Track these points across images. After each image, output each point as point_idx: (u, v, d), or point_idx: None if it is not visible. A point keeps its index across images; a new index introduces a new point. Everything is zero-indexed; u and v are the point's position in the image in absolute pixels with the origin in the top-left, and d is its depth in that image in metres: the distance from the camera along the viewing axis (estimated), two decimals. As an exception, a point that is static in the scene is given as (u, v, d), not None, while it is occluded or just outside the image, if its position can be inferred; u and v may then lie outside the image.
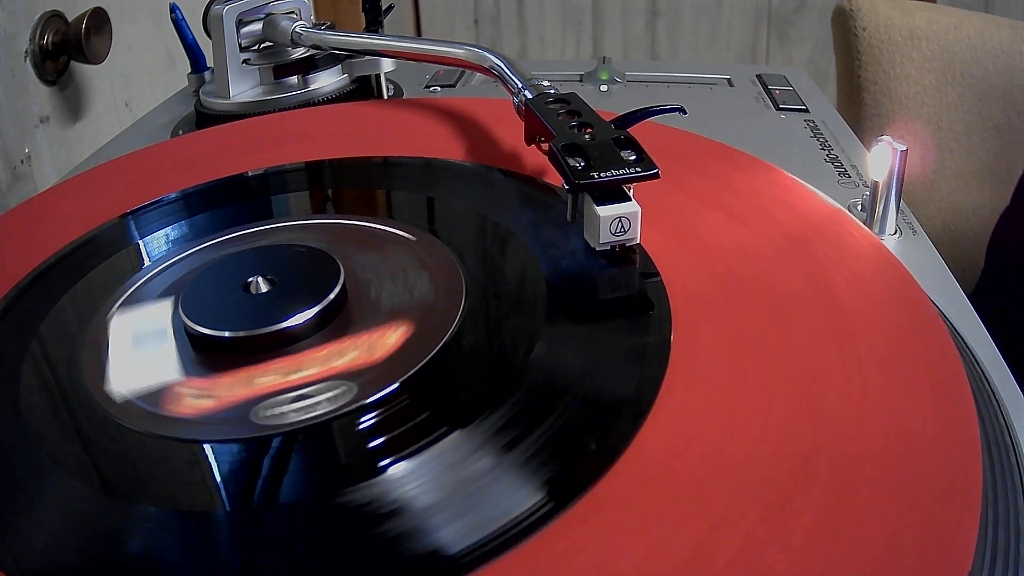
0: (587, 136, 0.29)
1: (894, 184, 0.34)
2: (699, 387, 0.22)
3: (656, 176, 0.27)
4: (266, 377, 0.24)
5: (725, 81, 0.57)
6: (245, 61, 0.50)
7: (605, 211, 0.27)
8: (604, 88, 0.56)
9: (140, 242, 0.33)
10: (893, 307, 0.25)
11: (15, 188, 0.55)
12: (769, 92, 0.54)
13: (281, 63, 0.50)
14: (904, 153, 0.33)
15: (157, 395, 0.24)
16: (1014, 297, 0.58)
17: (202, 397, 0.24)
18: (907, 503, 0.19)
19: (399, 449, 0.21)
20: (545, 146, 0.31)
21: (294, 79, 0.50)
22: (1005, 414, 0.25)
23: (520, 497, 0.19)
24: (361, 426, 0.22)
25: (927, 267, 0.33)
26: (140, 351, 0.27)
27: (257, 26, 0.51)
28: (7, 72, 0.54)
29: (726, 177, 0.33)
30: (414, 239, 0.31)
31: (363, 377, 0.24)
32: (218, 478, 0.22)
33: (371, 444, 0.22)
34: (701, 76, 0.58)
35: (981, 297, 0.30)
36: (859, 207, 0.37)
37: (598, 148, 0.28)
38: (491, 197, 0.34)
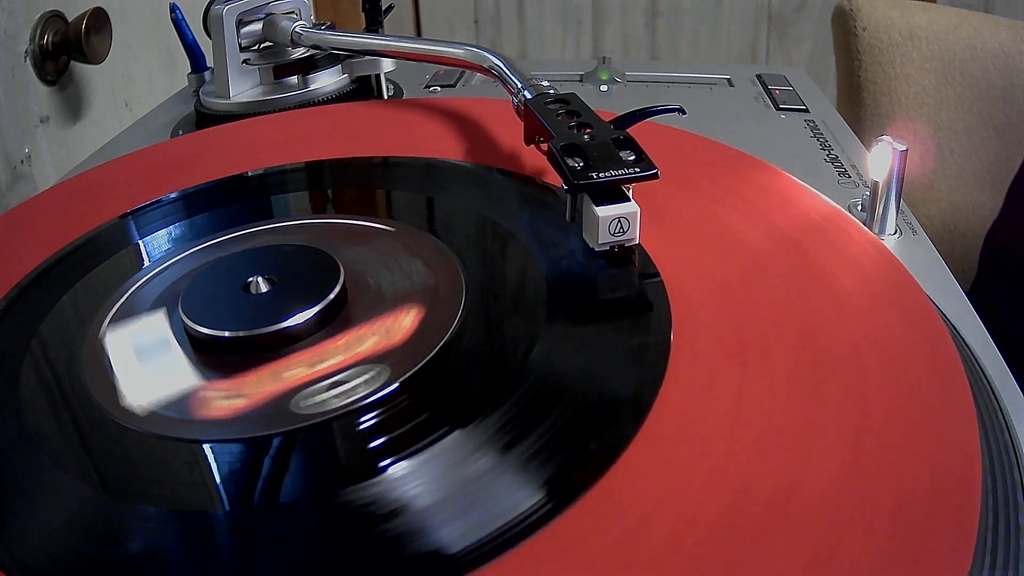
0: (586, 136, 0.29)
1: (894, 184, 0.34)
2: (699, 387, 0.22)
3: (655, 176, 0.27)
4: (265, 375, 0.25)
5: (725, 81, 0.57)
6: (245, 61, 0.50)
7: (604, 211, 0.27)
8: (604, 88, 0.56)
9: (140, 242, 0.33)
10: (893, 307, 0.25)
11: (15, 188, 0.55)
12: (769, 92, 0.54)
13: (281, 63, 0.50)
14: (904, 153, 0.33)
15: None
16: (1007, 300, 0.58)
17: (203, 397, 0.24)
18: (907, 501, 0.19)
19: (399, 449, 0.21)
20: (544, 146, 0.31)
21: (294, 79, 0.50)
22: (1005, 413, 0.25)
23: (520, 497, 0.19)
24: (361, 426, 0.22)
25: (927, 267, 0.33)
26: (140, 352, 0.27)
27: (257, 26, 0.51)
28: (7, 72, 0.54)
29: (725, 177, 0.33)
30: (413, 239, 0.31)
31: (363, 376, 0.24)
32: (218, 478, 0.22)
33: (371, 444, 0.22)
34: (701, 76, 0.58)
35: (974, 299, 0.30)
36: (859, 207, 0.37)
37: (597, 148, 0.28)
38: (491, 197, 0.34)
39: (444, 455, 0.21)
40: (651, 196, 0.29)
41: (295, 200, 0.36)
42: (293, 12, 0.51)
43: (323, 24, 0.50)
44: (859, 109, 0.74)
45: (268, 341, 0.25)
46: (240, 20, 0.49)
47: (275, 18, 0.50)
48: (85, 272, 0.31)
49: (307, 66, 0.50)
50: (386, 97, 0.52)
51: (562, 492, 0.19)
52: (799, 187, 0.32)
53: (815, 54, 1.22)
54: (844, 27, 0.75)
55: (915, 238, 0.35)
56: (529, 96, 0.34)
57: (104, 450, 0.23)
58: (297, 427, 0.22)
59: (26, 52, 0.56)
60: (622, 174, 0.27)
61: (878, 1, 0.73)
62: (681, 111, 0.35)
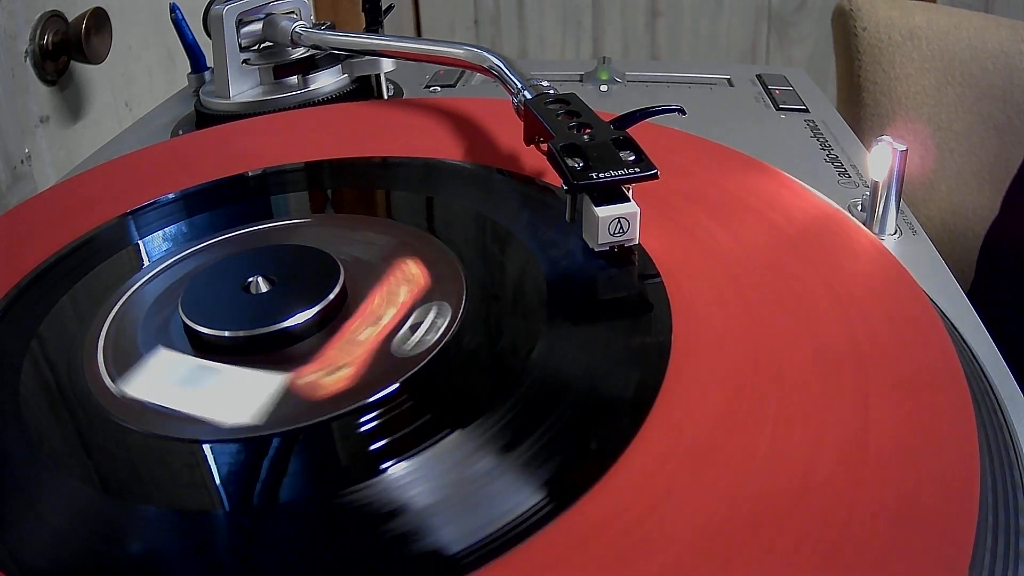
0: (586, 136, 0.29)
1: (894, 184, 0.34)
2: (699, 388, 0.22)
3: (655, 177, 0.27)
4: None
5: (725, 81, 0.57)
6: (245, 61, 0.50)
7: (604, 212, 0.27)
8: (604, 88, 0.56)
9: (140, 242, 0.33)
10: (893, 307, 0.25)
11: (15, 188, 0.55)
12: (769, 92, 0.54)
13: (281, 63, 0.50)
14: (904, 153, 0.33)
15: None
16: (1007, 300, 0.58)
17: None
18: (906, 501, 0.19)
19: (399, 449, 0.21)
20: (544, 146, 0.31)
21: (294, 79, 0.50)
22: (1004, 413, 0.25)
23: (520, 497, 0.19)
24: (361, 426, 0.22)
25: (927, 267, 0.33)
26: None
27: (257, 26, 0.51)
28: (7, 72, 0.54)
29: (725, 178, 0.33)
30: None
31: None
32: (218, 478, 0.22)
33: (371, 444, 0.22)
34: (701, 76, 0.58)
35: (974, 299, 0.30)
36: (859, 207, 0.37)
37: (597, 148, 0.28)
38: (491, 197, 0.34)
39: (444, 455, 0.21)
40: (651, 196, 0.29)
41: (295, 200, 0.36)
42: (293, 12, 0.51)
43: (323, 24, 0.50)
44: (859, 109, 0.74)
45: (268, 341, 0.25)
46: (240, 20, 0.49)
47: (275, 18, 0.50)
48: (85, 272, 0.31)
49: (307, 66, 0.50)
50: (386, 97, 0.52)
51: (562, 492, 0.19)
52: (799, 187, 0.32)
53: (815, 54, 1.22)
54: (844, 27, 0.75)
55: (915, 238, 0.35)
56: (529, 96, 0.34)
57: (104, 450, 0.23)
58: (297, 427, 0.23)
59: (26, 52, 0.56)
60: (622, 174, 0.27)
61: (878, 1, 0.73)
62: (681, 111, 0.35)
